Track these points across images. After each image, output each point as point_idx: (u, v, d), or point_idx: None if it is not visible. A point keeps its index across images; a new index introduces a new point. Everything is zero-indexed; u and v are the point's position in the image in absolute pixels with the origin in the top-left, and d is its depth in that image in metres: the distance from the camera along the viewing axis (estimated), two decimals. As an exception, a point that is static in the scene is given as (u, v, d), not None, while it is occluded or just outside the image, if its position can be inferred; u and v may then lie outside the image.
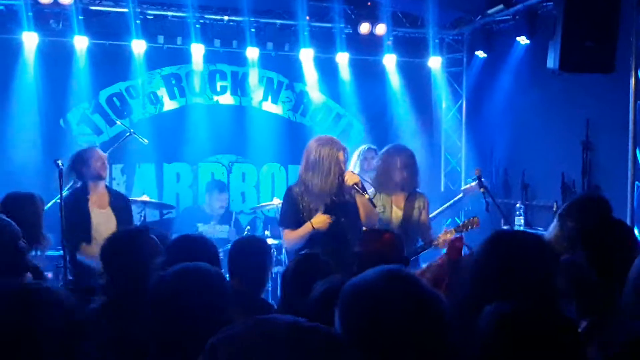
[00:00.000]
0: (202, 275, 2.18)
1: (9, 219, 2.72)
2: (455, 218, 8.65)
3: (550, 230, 4.27)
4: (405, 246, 5.14)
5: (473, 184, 6.30)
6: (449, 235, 5.26)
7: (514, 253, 2.38)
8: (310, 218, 4.72)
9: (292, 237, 4.81)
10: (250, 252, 3.52)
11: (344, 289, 1.68)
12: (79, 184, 5.37)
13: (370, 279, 1.67)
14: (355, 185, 4.70)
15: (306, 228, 4.72)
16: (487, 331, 1.82)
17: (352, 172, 4.82)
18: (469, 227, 5.36)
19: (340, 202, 4.77)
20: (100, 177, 5.37)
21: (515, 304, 2.10)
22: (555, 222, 4.21)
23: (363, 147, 6.53)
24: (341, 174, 4.71)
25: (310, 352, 1.22)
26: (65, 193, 5.10)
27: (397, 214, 5.30)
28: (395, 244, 3.69)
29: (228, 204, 7.69)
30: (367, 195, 4.74)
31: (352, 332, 1.57)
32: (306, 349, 1.22)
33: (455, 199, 6.46)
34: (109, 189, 5.55)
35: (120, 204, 5.42)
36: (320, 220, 4.68)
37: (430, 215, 5.66)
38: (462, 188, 6.27)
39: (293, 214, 4.80)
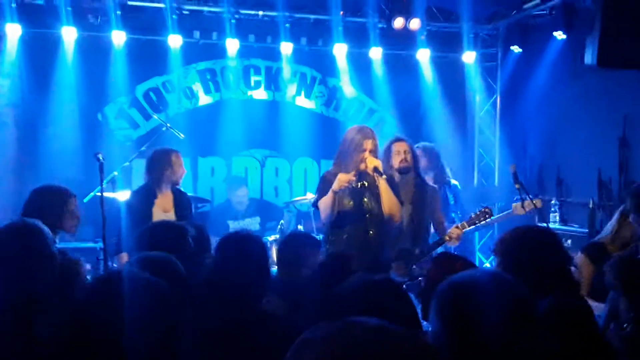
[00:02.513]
0: None
1: (41, 226, 2.75)
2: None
3: (608, 227, 4.25)
4: (417, 240, 5.18)
5: (528, 202, 5.85)
6: (460, 229, 5.21)
7: (532, 246, 2.42)
8: (341, 192, 4.79)
9: (321, 207, 4.87)
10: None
11: (443, 286, 1.70)
12: (145, 183, 5.39)
13: (478, 279, 1.70)
14: (375, 169, 4.71)
15: (329, 195, 4.78)
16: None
17: (372, 156, 4.77)
18: (481, 219, 5.27)
19: (363, 186, 4.83)
20: (177, 183, 5.40)
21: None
22: (615, 218, 4.18)
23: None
24: (364, 159, 4.74)
25: (401, 357, 1.22)
26: (129, 191, 5.19)
27: (405, 206, 5.19)
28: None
29: (260, 196, 7.71)
30: (384, 177, 4.73)
31: (452, 327, 1.60)
32: (396, 354, 1.21)
33: (502, 214, 6.33)
34: (174, 190, 5.45)
35: (183, 208, 5.38)
36: (341, 179, 4.70)
37: (469, 228, 5.46)
38: (514, 205, 6.06)
39: (324, 193, 4.89)
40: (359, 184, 4.83)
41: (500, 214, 6.34)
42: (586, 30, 5.70)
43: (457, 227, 5.24)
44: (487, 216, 5.25)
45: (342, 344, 1.20)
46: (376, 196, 4.81)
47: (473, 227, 5.35)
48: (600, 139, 6.93)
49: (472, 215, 5.30)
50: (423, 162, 5.89)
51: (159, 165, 5.30)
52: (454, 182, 6.38)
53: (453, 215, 6.27)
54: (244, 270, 2.84)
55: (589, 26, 5.64)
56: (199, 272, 3.05)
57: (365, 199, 4.84)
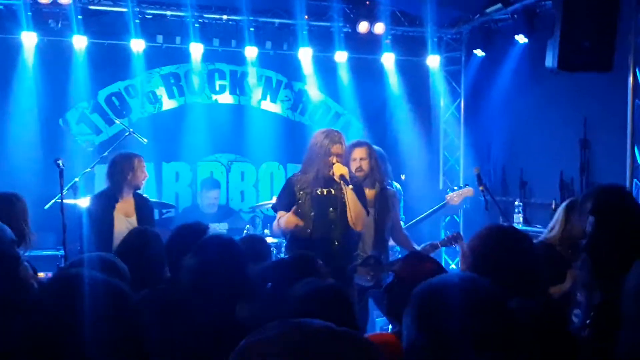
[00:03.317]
0: None
1: (3, 225, 2.71)
2: (454, 216, 8.70)
3: (554, 225, 4.27)
4: (381, 246, 5.17)
5: (460, 192, 6.28)
6: (434, 249, 5.26)
7: (507, 245, 2.44)
8: (304, 200, 4.77)
9: (274, 224, 4.93)
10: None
11: (420, 291, 1.70)
12: (106, 188, 5.31)
13: (450, 282, 1.70)
14: (341, 177, 4.67)
15: (279, 220, 4.80)
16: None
17: (340, 164, 4.73)
18: (452, 242, 5.33)
19: (330, 193, 4.78)
20: (139, 188, 5.34)
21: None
22: (561, 216, 4.21)
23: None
24: (332, 165, 4.70)
25: (345, 357, 1.23)
26: (90, 197, 5.16)
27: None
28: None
29: (227, 201, 7.69)
30: (350, 187, 4.68)
31: (431, 333, 1.60)
32: (340, 354, 1.22)
33: (438, 206, 6.44)
34: (135, 195, 5.38)
35: (145, 212, 5.32)
36: (288, 219, 4.69)
37: (414, 221, 5.58)
38: (447, 196, 6.24)
39: (285, 198, 4.89)
40: (324, 190, 4.78)
41: (437, 206, 6.44)
42: (547, 34, 5.78)
43: (431, 245, 5.27)
44: (457, 241, 5.30)
45: (286, 345, 1.21)
46: (342, 205, 4.75)
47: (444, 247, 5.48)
48: (562, 141, 7.04)
49: (445, 238, 5.38)
50: None
51: (121, 169, 5.23)
52: (397, 185, 6.34)
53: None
54: (226, 274, 2.80)
55: (550, 30, 5.72)
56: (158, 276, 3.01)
57: (331, 209, 4.77)
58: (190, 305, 2.73)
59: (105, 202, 5.20)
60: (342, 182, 4.69)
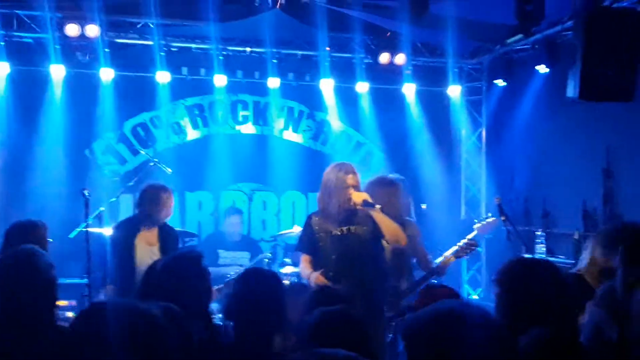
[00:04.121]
0: None
1: (42, 251, 2.80)
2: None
3: (584, 257, 4.24)
4: (401, 275, 5.13)
5: (489, 220, 6.14)
6: (448, 261, 5.21)
7: (534, 280, 2.43)
8: (324, 241, 4.72)
9: (301, 270, 4.89)
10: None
11: (411, 324, 1.72)
12: (131, 215, 5.36)
13: (434, 313, 1.72)
14: (364, 202, 4.60)
15: (307, 276, 4.74)
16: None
17: (356, 191, 4.66)
18: (468, 251, 5.28)
19: (349, 231, 4.70)
20: (166, 219, 5.34)
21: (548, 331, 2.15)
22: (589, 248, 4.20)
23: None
24: (350, 197, 4.63)
25: None
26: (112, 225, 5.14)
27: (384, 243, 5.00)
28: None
29: (248, 232, 7.74)
30: (378, 207, 4.61)
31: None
32: None
33: (469, 237, 6.33)
34: (160, 224, 5.30)
35: (168, 241, 5.25)
36: (316, 280, 4.62)
37: (446, 254, 5.50)
38: (475, 226, 6.13)
39: (307, 238, 4.84)
40: (344, 229, 4.69)
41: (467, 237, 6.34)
42: (568, 63, 5.79)
43: (446, 258, 5.22)
44: (472, 248, 5.26)
45: None
46: (366, 238, 4.66)
47: (458, 258, 5.38)
48: (585, 171, 7.01)
49: (458, 248, 5.31)
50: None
51: (149, 200, 5.25)
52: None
53: None
54: (265, 306, 2.84)
55: (571, 60, 5.73)
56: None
57: (353, 247, 4.65)
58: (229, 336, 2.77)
59: (128, 229, 5.22)
60: (366, 207, 4.60)
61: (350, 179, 4.67)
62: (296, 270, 6.38)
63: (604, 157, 6.66)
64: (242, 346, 2.72)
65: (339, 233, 4.71)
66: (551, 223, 7.50)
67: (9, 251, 2.96)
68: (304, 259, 4.88)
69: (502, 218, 5.70)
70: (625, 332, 2.57)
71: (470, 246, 5.25)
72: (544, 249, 7.07)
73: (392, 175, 5.81)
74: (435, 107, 8.70)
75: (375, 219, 4.65)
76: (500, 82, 8.13)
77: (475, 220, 6.55)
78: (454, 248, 5.35)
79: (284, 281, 6.42)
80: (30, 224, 4.16)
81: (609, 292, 2.81)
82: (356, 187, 4.69)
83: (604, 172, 6.65)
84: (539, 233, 7.26)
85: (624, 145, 6.51)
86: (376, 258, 4.72)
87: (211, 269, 3.22)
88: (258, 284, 2.93)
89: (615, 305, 2.76)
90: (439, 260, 5.30)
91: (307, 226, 4.86)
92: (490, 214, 6.63)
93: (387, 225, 4.66)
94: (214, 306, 3.83)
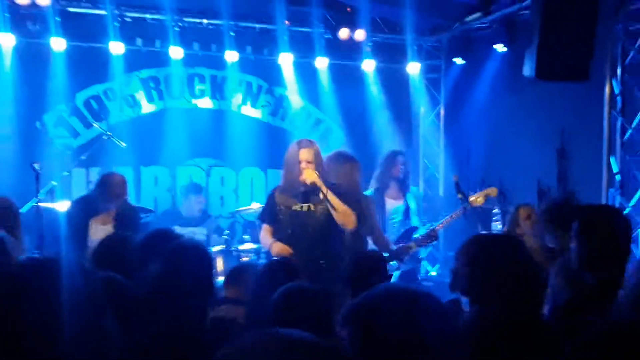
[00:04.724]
0: None
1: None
2: (433, 223, 8.71)
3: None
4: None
5: (483, 192, 6.12)
6: (409, 249, 5.32)
7: (495, 255, 2.43)
8: (284, 215, 4.76)
9: (262, 239, 4.96)
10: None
11: (354, 308, 1.71)
12: (88, 194, 5.36)
13: (379, 296, 1.71)
14: (312, 184, 4.61)
15: (268, 245, 4.80)
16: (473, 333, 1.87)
17: (310, 170, 4.64)
18: (429, 241, 5.38)
19: (309, 209, 4.72)
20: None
21: (496, 306, 2.16)
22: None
23: (389, 151, 6.50)
24: (300, 172, 4.65)
25: None
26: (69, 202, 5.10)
27: None
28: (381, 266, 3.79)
29: (206, 206, 7.68)
30: (326, 190, 4.60)
31: (367, 350, 1.62)
32: None
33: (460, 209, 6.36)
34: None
35: (125, 220, 5.30)
36: (277, 249, 4.66)
37: (436, 228, 5.62)
38: (471, 197, 6.12)
39: (269, 209, 4.89)
40: (303, 206, 4.72)
41: (459, 210, 6.38)
42: (526, 43, 5.82)
43: (407, 246, 5.31)
44: (433, 240, 5.36)
45: (256, 354, 1.23)
46: (323, 221, 4.67)
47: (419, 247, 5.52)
48: (540, 150, 7.11)
49: (420, 237, 5.41)
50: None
51: (108, 190, 5.27)
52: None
53: None
54: (188, 281, 2.79)
55: (529, 39, 5.76)
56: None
57: (310, 227, 4.70)
58: (157, 308, 2.72)
59: (85, 211, 5.18)
60: (318, 185, 4.59)
61: (303, 154, 4.66)
62: (255, 247, 6.36)
63: (558, 137, 6.76)
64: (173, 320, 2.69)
65: (298, 209, 4.72)
66: (507, 201, 7.60)
67: None
68: (265, 228, 4.92)
69: (459, 195, 5.76)
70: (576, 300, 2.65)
71: (431, 237, 5.33)
72: (500, 227, 7.17)
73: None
74: (394, 84, 8.69)
75: (329, 199, 4.63)
76: (459, 61, 8.16)
77: (470, 192, 6.42)
78: (416, 235, 5.46)
79: (242, 258, 6.50)
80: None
81: (564, 265, 2.89)
82: (310, 163, 4.66)
83: (559, 152, 6.76)
84: (495, 211, 7.35)
85: (579, 125, 6.62)
86: (328, 238, 4.72)
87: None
88: (183, 257, 2.88)
89: (571, 276, 2.84)
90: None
91: (270, 199, 4.91)
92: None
93: (338, 205, 4.65)
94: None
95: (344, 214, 4.66)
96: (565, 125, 6.72)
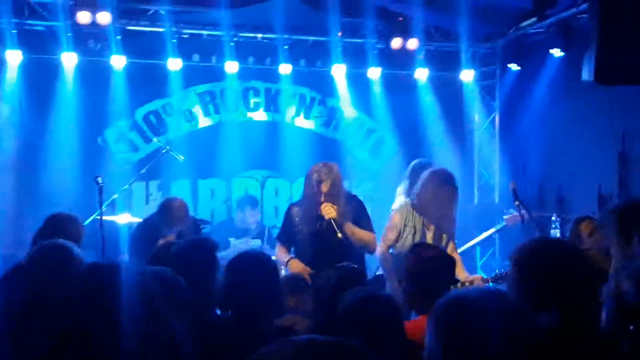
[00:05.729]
0: None
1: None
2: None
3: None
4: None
5: (514, 214, 5.97)
6: (476, 281, 5.15)
7: (554, 261, 2.36)
8: (302, 234, 4.80)
9: (278, 255, 4.95)
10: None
11: (445, 302, 1.70)
12: (150, 217, 5.52)
13: (474, 295, 1.71)
14: (332, 221, 4.60)
15: (285, 262, 4.82)
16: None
17: (329, 206, 4.64)
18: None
19: (322, 227, 4.72)
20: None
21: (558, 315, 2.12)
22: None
23: (416, 161, 6.18)
24: (319, 202, 4.66)
25: None
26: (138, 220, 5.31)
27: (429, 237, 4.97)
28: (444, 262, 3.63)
29: (261, 218, 7.76)
30: (339, 235, 4.60)
31: (449, 345, 1.62)
32: None
33: (496, 228, 6.24)
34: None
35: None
36: (295, 267, 4.70)
37: (470, 244, 5.47)
38: (506, 217, 6.00)
39: (285, 228, 4.99)
40: (321, 223, 4.73)
41: (495, 228, 6.28)
42: (583, 47, 5.71)
43: (476, 278, 5.19)
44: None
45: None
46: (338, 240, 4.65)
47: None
48: (600, 155, 6.93)
49: (496, 274, 5.23)
50: None
51: (172, 218, 5.42)
52: None
53: None
54: (255, 291, 2.84)
55: (586, 43, 5.66)
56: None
57: (330, 244, 4.67)
58: (225, 319, 2.77)
59: (147, 236, 5.32)
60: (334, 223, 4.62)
61: (317, 176, 4.70)
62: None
63: (619, 141, 6.59)
64: (242, 331, 2.72)
65: (317, 228, 4.75)
66: (566, 208, 7.44)
67: (40, 245, 3.08)
68: (280, 248, 5.02)
69: (517, 203, 5.67)
70: None
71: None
72: (559, 235, 7.02)
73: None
74: (448, 92, 8.62)
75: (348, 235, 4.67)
76: (514, 67, 8.05)
77: (505, 211, 6.25)
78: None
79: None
80: (68, 217, 4.25)
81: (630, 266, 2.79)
82: (329, 195, 4.66)
83: (620, 156, 6.58)
84: (553, 218, 7.20)
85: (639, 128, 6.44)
86: (346, 257, 4.69)
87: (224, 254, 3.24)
88: (247, 270, 2.91)
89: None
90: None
91: (288, 217, 4.96)
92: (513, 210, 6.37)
93: (358, 238, 4.73)
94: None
95: (363, 242, 4.74)
96: (626, 128, 6.54)
